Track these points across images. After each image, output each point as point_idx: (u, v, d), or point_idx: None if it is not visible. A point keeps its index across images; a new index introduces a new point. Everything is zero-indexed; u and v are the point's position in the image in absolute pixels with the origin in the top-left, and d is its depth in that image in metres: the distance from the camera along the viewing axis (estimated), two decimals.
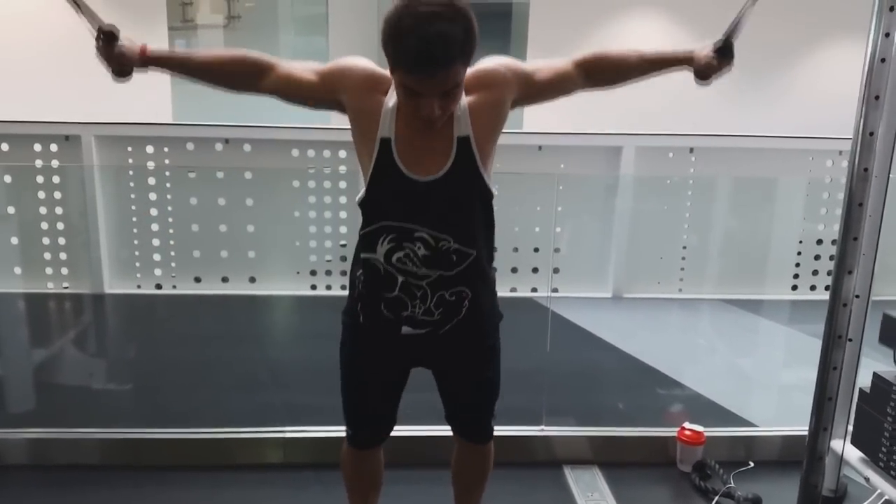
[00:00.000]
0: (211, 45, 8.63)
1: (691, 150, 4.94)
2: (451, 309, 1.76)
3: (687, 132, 4.97)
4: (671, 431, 2.79)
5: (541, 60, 1.79)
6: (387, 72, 1.63)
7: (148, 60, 1.70)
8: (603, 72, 1.81)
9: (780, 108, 6.86)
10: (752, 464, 2.76)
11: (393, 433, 2.04)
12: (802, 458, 2.30)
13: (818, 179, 4.89)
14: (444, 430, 2.05)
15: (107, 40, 1.65)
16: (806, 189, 4.84)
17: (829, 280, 4.79)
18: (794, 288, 4.78)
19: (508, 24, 8.19)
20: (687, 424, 2.76)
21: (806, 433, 2.27)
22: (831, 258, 4.68)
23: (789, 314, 4.68)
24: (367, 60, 1.70)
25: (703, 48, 1.76)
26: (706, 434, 2.74)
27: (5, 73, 5.48)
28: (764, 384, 3.68)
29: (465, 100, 1.66)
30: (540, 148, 4.66)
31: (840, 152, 4.79)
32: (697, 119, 5.32)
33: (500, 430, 2.70)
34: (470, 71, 1.65)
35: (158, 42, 7.31)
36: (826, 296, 2.25)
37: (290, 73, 1.71)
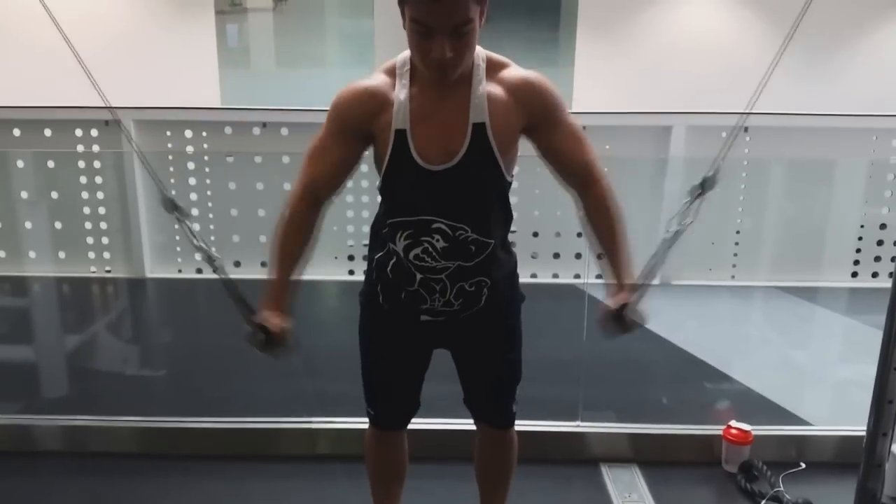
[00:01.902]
0: (260, 28, 8.66)
1: (746, 129, 4.70)
2: (471, 298, 1.73)
3: (741, 110, 4.73)
4: (716, 429, 2.64)
5: (580, 130, 1.67)
6: (375, 77, 1.61)
7: (285, 311, 1.70)
8: (593, 207, 1.70)
9: (842, 84, 6.52)
10: (803, 465, 2.60)
11: (417, 426, 2.01)
12: (858, 460, 2.14)
13: (882, 159, 4.61)
14: (471, 424, 1.99)
15: (265, 335, 1.66)
16: (868, 170, 4.56)
17: (892, 267, 4.56)
18: (854, 275, 4.52)
19: (558, 3, 8.02)
20: (733, 422, 2.62)
21: (863, 433, 2.11)
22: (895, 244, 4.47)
23: (848, 303, 4.44)
24: (350, 85, 1.64)
25: (618, 300, 1.65)
26: (754, 433, 2.59)
27: (54, 56, 5.55)
28: (819, 379, 3.48)
29: (485, 87, 1.59)
30: (584, 128, 4.49)
31: None
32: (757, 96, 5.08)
33: (533, 425, 2.65)
34: (515, 70, 1.62)
35: (206, 32, 7.40)
36: (889, 283, 2.06)
37: (324, 173, 1.67)
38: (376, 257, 1.75)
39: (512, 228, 1.80)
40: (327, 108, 1.66)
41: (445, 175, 1.59)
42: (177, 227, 1.73)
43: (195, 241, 1.74)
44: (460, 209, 1.63)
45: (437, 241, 1.64)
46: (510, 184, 1.68)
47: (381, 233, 1.74)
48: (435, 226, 1.63)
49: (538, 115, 1.62)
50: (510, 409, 1.92)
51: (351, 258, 4.44)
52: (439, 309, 1.73)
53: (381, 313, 1.80)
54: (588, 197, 1.70)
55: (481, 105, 1.58)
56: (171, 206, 1.73)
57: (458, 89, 1.58)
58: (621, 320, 1.64)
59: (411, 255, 1.67)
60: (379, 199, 1.74)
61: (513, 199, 1.74)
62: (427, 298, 1.71)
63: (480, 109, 1.58)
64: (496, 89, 1.60)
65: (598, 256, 1.74)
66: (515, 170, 1.70)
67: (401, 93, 1.59)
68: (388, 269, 1.72)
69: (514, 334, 1.86)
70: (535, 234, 4.43)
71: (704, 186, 1.67)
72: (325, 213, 1.73)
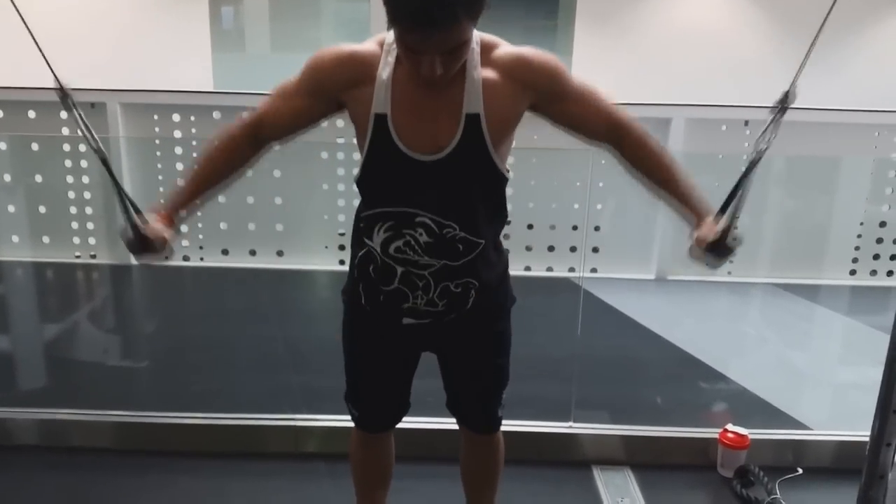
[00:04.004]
0: (256, 14, 8.53)
1: (746, 122, 4.62)
2: (458, 300, 1.62)
3: (741, 103, 4.65)
4: (712, 433, 2.57)
5: (589, 85, 1.56)
6: (365, 45, 1.49)
7: (176, 222, 1.63)
8: (633, 154, 1.60)
9: (844, 79, 6.44)
10: (800, 470, 2.52)
11: (404, 425, 1.92)
12: (859, 467, 2.07)
13: (884, 156, 4.54)
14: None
15: (137, 236, 1.57)
16: (869, 167, 4.49)
17: (891, 265, 4.49)
18: (853, 273, 4.46)
19: None
20: (730, 426, 2.54)
21: (864, 439, 2.04)
22: (895, 242, 4.41)
23: (846, 301, 4.38)
24: (336, 46, 1.52)
25: (710, 229, 1.54)
26: (751, 437, 2.52)
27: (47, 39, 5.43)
28: (818, 380, 3.42)
29: (481, 72, 1.46)
30: None
31: None
32: (756, 89, 5.00)
33: (523, 426, 2.57)
34: (506, 49, 1.49)
35: (199, 15, 7.26)
36: (888, 282, 1.99)
37: (276, 114, 1.56)
38: (359, 254, 1.65)
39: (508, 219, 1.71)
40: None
41: (433, 167, 1.48)
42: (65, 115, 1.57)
43: (84, 131, 1.62)
44: (448, 205, 1.52)
45: (421, 235, 1.53)
46: (506, 179, 1.57)
47: (359, 229, 1.63)
48: (419, 219, 1.52)
49: (544, 90, 1.50)
50: (496, 414, 1.84)
51: (342, 248, 4.35)
52: (422, 309, 1.62)
53: (363, 314, 1.70)
54: (624, 147, 1.59)
55: (476, 93, 1.46)
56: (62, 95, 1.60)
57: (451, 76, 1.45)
58: (722, 248, 1.53)
59: (391, 249, 1.56)
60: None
61: (507, 191, 1.64)
62: (409, 295, 1.60)
63: (475, 98, 1.46)
64: (491, 74, 1.47)
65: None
66: (510, 160, 1.61)
67: (384, 71, 1.46)
68: (370, 268, 1.62)
69: (502, 339, 1.77)
70: (530, 227, 4.35)
71: (787, 100, 1.54)
72: (262, 156, 1.65)
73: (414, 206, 1.51)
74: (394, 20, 1.33)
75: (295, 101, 1.54)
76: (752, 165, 1.55)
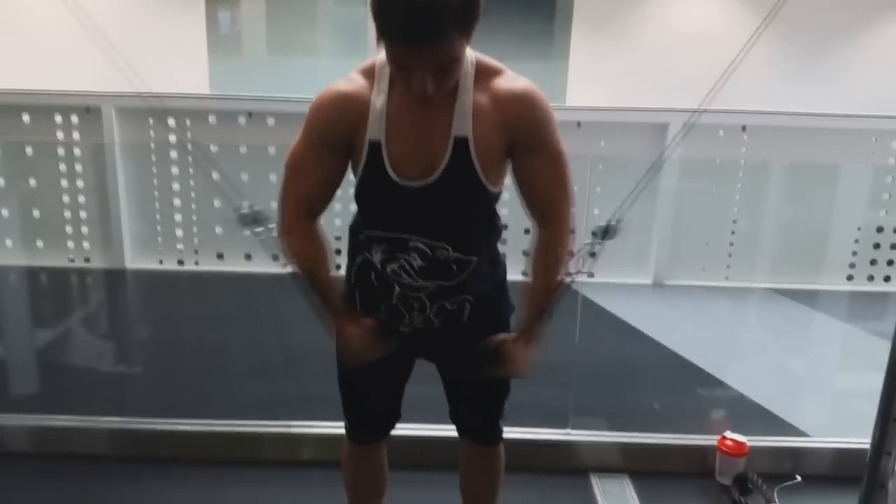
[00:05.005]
0: (253, 18, 8.53)
1: (744, 128, 4.61)
2: (453, 317, 1.62)
3: (739, 108, 4.64)
4: (711, 440, 2.56)
5: (561, 158, 1.54)
6: (354, 80, 1.48)
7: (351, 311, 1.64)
8: (540, 243, 1.60)
9: (840, 84, 6.46)
10: (799, 478, 2.51)
11: (400, 433, 1.91)
12: (858, 474, 2.06)
13: (881, 162, 4.53)
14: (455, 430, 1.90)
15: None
16: (867, 173, 4.49)
17: (888, 271, 4.48)
18: (850, 278, 4.45)
19: None
20: (728, 433, 2.53)
21: (863, 446, 2.03)
22: (893, 247, 4.41)
23: (843, 307, 4.37)
24: (326, 94, 1.50)
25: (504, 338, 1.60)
26: (749, 444, 2.51)
27: (37, 41, 5.43)
28: (816, 387, 3.41)
29: (472, 96, 1.44)
30: (579, 124, 4.40)
31: None
32: (752, 94, 5.00)
33: (520, 433, 2.55)
34: (506, 80, 1.46)
35: (196, 19, 7.24)
36: (885, 287, 1.98)
37: (314, 190, 1.54)
38: (357, 261, 1.65)
39: (503, 223, 1.70)
40: (314, 98, 1.54)
41: (423, 192, 1.47)
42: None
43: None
44: (440, 227, 1.51)
45: (415, 259, 1.53)
46: (498, 195, 1.56)
47: (357, 239, 1.64)
48: (412, 244, 1.52)
49: (518, 135, 1.48)
50: (497, 425, 1.83)
51: (338, 251, 4.33)
52: (419, 326, 1.63)
53: None
54: (542, 232, 1.59)
55: (465, 118, 1.44)
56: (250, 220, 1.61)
57: (443, 98, 1.43)
58: (496, 358, 1.57)
59: (388, 270, 1.57)
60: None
61: (504, 195, 1.62)
62: (405, 315, 1.62)
63: (464, 122, 1.44)
64: (484, 100, 1.45)
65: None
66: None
67: (378, 99, 1.45)
68: (371, 276, 1.62)
69: None
70: (527, 231, 4.32)
71: (607, 234, 1.57)
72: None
73: (406, 231, 1.52)
74: (383, 34, 1.32)
75: (317, 168, 1.52)
76: (560, 293, 1.57)
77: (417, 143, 1.46)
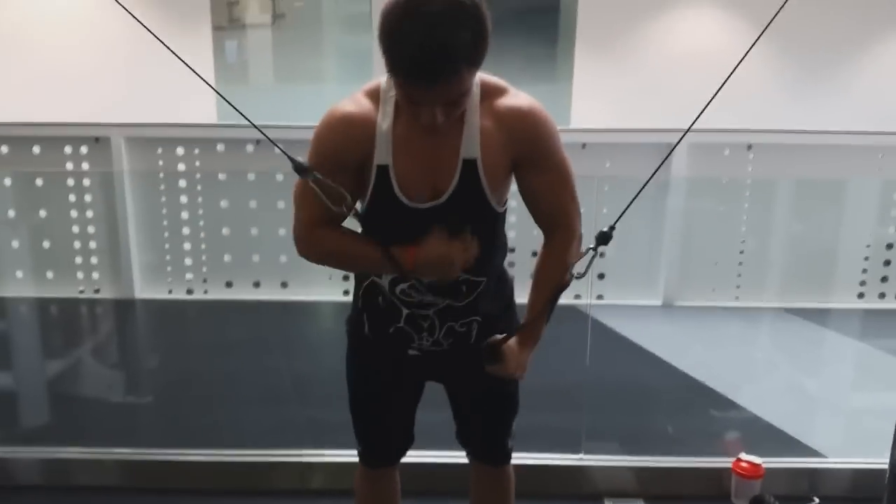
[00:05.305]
0: (260, 47, 8.61)
1: (749, 146, 4.61)
2: (462, 338, 1.63)
3: (745, 127, 4.65)
4: (726, 462, 2.53)
5: (566, 170, 1.54)
6: (358, 102, 1.47)
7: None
8: (546, 252, 1.60)
9: (846, 101, 6.44)
10: (817, 500, 2.48)
11: (411, 459, 1.90)
12: (877, 495, 2.03)
13: (889, 178, 4.53)
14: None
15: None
16: (875, 189, 4.48)
17: None
18: (861, 296, 4.43)
19: (556, 19, 7.98)
20: (743, 455, 2.50)
21: (881, 466, 2.00)
22: None
23: (855, 325, 4.34)
24: (330, 117, 1.48)
25: (505, 341, 1.55)
26: (765, 465, 2.48)
27: (53, 73, 5.49)
28: (831, 406, 3.36)
29: (479, 119, 1.45)
30: (584, 146, 4.42)
31: None
32: (757, 112, 5.00)
33: (533, 458, 2.53)
34: (509, 99, 1.47)
35: (203, 48, 7.35)
36: None
37: (325, 214, 1.49)
38: (364, 285, 1.64)
39: (511, 247, 1.70)
40: (320, 120, 1.52)
41: (432, 213, 1.48)
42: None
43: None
44: None
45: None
46: (504, 214, 1.57)
47: None
48: (410, 277, 1.52)
49: (524, 152, 1.49)
50: (506, 445, 1.82)
51: (345, 278, 4.33)
52: (428, 349, 1.64)
53: (366, 343, 1.69)
54: (550, 238, 1.59)
55: (473, 139, 1.45)
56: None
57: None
58: (495, 355, 1.53)
59: (397, 290, 1.57)
60: None
61: (512, 218, 1.63)
62: (414, 337, 1.62)
63: (472, 144, 1.45)
64: (488, 121, 1.46)
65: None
66: (512, 187, 1.59)
67: (384, 122, 1.45)
68: (379, 299, 1.62)
69: None
70: (534, 254, 4.32)
71: (603, 240, 1.52)
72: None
73: None
74: (392, 70, 1.33)
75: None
76: (559, 293, 1.54)
77: (425, 166, 1.46)
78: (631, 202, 1.53)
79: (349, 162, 1.47)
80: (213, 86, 1.67)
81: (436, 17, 1.27)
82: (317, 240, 1.53)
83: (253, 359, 3.69)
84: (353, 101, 1.49)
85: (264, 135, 1.56)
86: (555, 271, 1.56)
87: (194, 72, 1.57)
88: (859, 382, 3.60)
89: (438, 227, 1.47)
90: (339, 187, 1.44)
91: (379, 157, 1.46)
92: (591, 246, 1.53)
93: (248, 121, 1.55)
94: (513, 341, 1.55)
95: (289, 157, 1.46)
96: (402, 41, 1.28)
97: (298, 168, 1.44)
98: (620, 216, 1.52)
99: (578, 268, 1.56)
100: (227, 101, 1.59)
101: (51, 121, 4.29)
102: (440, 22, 1.27)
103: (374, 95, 1.48)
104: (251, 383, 3.41)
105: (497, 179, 1.49)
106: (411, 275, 1.51)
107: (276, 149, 1.52)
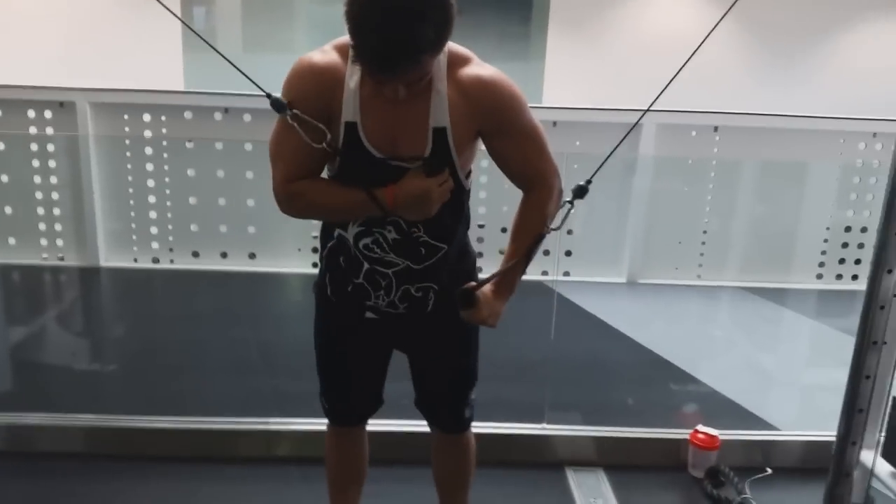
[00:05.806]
0: (229, 15, 8.46)
1: (716, 128, 4.69)
2: (417, 304, 1.65)
3: (711, 109, 4.72)
4: (683, 434, 2.60)
5: (535, 130, 1.56)
6: (328, 55, 1.49)
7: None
8: (526, 204, 1.62)
9: (810, 86, 6.57)
10: (769, 470, 2.56)
11: (377, 427, 1.95)
12: (826, 465, 2.12)
13: (849, 163, 4.64)
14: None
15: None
16: (836, 173, 4.59)
17: (856, 270, 4.57)
18: (819, 277, 4.55)
19: None
20: (701, 427, 2.58)
21: (830, 438, 2.09)
22: (860, 246, 4.51)
23: (813, 305, 4.47)
24: (301, 65, 1.49)
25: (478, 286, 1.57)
26: (721, 437, 2.56)
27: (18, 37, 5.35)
28: (785, 382, 3.47)
29: (446, 87, 1.48)
30: (555, 124, 4.44)
31: (874, 134, 4.54)
32: (726, 96, 5.07)
33: (498, 427, 2.59)
34: (472, 69, 1.49)
35: (171, 6, 7.22)
36: (853, 286, 2.05)
37: (301, 168, 1.51)
38: (328, 245, 1.67)
39: (480, 223, 1.73)
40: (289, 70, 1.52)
41: (401, 172, 1.51)
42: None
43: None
44: None
45: (390, 231, 1.57)
46: (468, 190, 1.62)
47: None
48: (390, 218, 1.55)
49: (490, 120, 1.52)
50: (463, 414, 1.85)
51: (314, 250, 4.33)
52: (383, 309, 1.66)
53: (330, 305, 1.72)
54: (527, 196, 1.62)
55: (442, 108, 1.47)
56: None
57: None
58: (470, 301, 1.55)
59: (361, 245, 1.60)
60: None
61: (482, 195, 1.66)
62: (371, 293, 1.64)
63: (441, 112, 1.47)
64: (454, 90, 1.48)
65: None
66: (484, 164, 1.62)
67: (351, 79, 1.47)
68: (340, 259, 1.64)
69: (468, 339, 1.78)
70: (504, 230, 4.36)
71: (580, 194, 1.59)
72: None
73: None
74: (356, 54, 1.35)
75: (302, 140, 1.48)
76: (536, 244, 1.58)
77: (393, 128, 1.48)
78: (606, 159, 1.57)
79: (318, 111, 1.48)
80: (219, 51, 1.65)
81: (400, 11, 1.28)
82: (297, 191, 1.54)
83: (220, 329, 3.69)
84: (323, 53, 1.50)
85: (263, 91, 1.53)
86: (532, 223, 1.59)
87: (200, 36, 1.55)
88: (813, 360, 3.73)
89: (415, 168, 1.50)
90: (319, 123, 1.46)
91: (346, 113, 1.48)
92: (568, 199, 1.57)
93: (257, 85, 1.54)
94: (487, 288, 1.57)
95: (266, 94, 1.47)
96: (364, 30, 1.30)
97: (276, 104, 1.46)
98: (597, 171, 1.56)
99: (557, 222, 1.60)
100: (232, 64, 1.61)
101: (13, 83, 4.18)
102: (403, 16, 1.28)
103: (344, 51, 1.48)
104: (218, 353, 3.41)
105: (464, 147, 1.52)
106: (391, 214, 1.52)
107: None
